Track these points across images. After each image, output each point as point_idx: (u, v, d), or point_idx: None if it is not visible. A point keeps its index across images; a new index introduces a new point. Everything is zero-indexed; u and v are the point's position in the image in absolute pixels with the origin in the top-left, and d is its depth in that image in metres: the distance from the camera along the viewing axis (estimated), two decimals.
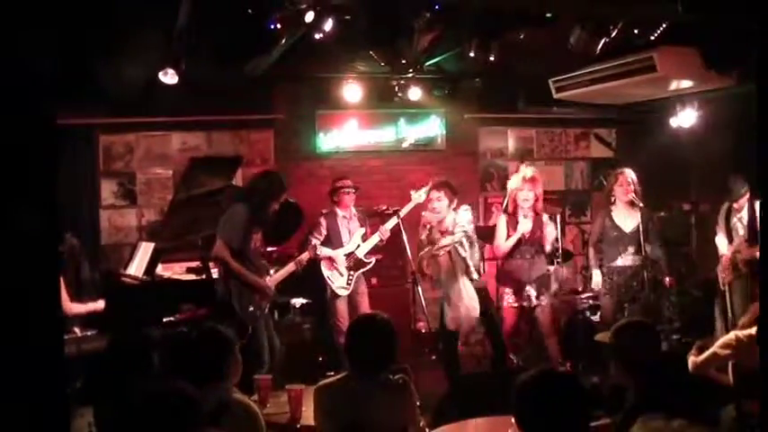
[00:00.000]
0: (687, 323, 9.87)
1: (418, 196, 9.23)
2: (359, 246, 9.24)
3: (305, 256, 8.42)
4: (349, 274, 9.16)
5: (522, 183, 8.55)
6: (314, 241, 9.07)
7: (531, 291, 8.52)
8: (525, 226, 8.43)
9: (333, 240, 9.23)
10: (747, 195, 9.24)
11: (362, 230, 9.33)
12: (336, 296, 9.14)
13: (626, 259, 8.72)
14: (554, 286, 9.52)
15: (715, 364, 6.19)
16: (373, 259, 9.33)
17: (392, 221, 9.11)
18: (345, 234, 9.29)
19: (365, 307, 9.16)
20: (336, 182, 9.41)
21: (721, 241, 9.60)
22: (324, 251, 9.09)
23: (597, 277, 8.91)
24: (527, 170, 8.79)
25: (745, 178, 9.29)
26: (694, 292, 10.23)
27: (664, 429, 3.22)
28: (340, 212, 9.31)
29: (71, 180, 9.30)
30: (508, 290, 8.61)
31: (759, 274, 3.72)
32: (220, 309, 7.61)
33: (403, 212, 9.10)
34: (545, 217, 8.64)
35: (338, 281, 9.13)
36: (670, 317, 9.93)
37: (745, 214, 9.28)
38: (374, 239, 9.22)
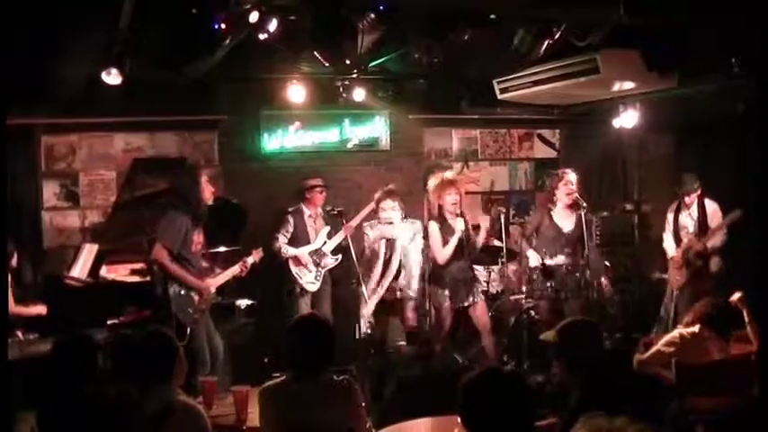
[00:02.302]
0: (630, 322, 9.97)
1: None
2: (325, 242, 9.32)
3: (250, 259, 8.39)
4: (317, 270, 9.21)
5: (448, 186, 8.60)
6: (280, 239, 9.09)
7: (464, 291, 8.58)
8: (460, 225, 8.49)
9: (300, 238, 9.32)
10: (699, 191, 9.38)
11: (328, 228, 9.42)
12: (301, 294, 9.17)
13: (559, 259, 8.76)
14: (500, 286, 9.61)
15: (659, 361, 6.28)
16: (340, 256, 9.39)
17: (354, 221, 9.32)
18: (312, 232, 9.42)
19: (327, 308, 9.24)
20: (309, 180, 9.54)
21: (669, 243, 9.73)
22: (289, 251, 9.14)
23: (533, 256, 8.91)
24: (446, 173, 8.85)
25: (697, 176, 9.45)
26: (637, 292, 10.33)
27: (606, 427, 3.24)
28: (306, 211, 9.41)
29: (11, 181, 9.17)
30: (443, 291, 8.64)
31: (758, 281, 3.77)
32: (160, 311, 7.60)
33: (362, 214, 9.26)
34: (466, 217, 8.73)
35: (307, 276, 9.21)
36: (613, 315, 10.03)
37: (695, 210, 9.42)
38: (339, 237, 9.29)
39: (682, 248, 9.50)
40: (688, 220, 9.55)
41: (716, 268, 9.35)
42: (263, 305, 9.41)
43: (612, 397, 4.24)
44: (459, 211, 8.58)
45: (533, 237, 9.03)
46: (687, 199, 9.54)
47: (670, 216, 9.76)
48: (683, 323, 6.41)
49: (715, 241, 9.27)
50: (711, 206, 9.36)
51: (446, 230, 8.60)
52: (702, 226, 9.38)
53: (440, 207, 8.67)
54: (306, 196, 9.45)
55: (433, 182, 8.86)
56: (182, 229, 7.58)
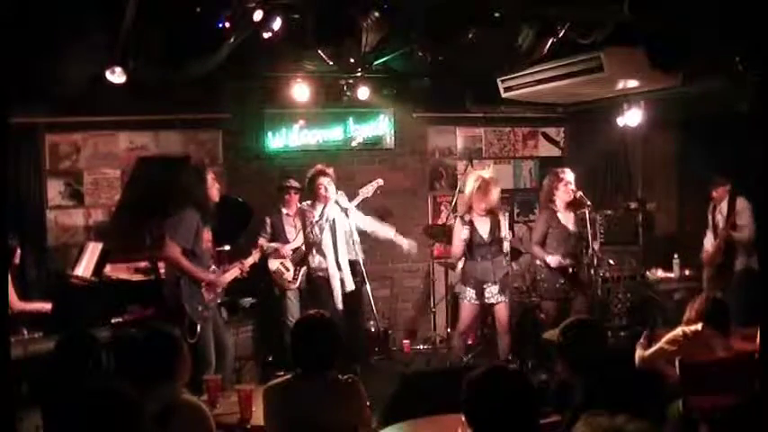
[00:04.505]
0: (635, 320, 9.96)
1: (366, 191, 9.29)
2: None
3: (249, 260, 8.39)
4: (296, 269, 9.21)
5: (482, 186, 8.51)
6: (261, 240, 9.12)
7: (493, 290, 8.53)
8: (464, 234, 8.45)
9: (279, 238, 9.37)
10: (728, 186, 9.41)
11: None
12: (285, 293, 9.16)
13: (569, 259, 8.74)
14: None
15: (662, 358, 6.26)
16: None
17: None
18: (291, 231, 9.43)
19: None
20: (284, 180, 9.58)
21: (708, 240, 9.80)
22: (270, 245, 9.19)
23: (552, 258, 8.82)
24: (484, 172, 8.75)
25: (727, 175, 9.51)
26: (643, 290, 10.33)
27: (607, 425, 3.24)
28: (284, 210, 9.46)
29: (16, 180, 9.19)
30: (469, 289, 8.61)
31: (760, 278, 3.78)
32: (168, 309, 7.58)
33: (351, 205, 9.20)
34: (502, 216, 8.65)
35: (284, 275, 9.18)
36: (618, 313, 10.03)
37: (725, 206, 9.45)
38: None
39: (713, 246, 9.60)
40: (719, 216, 9.59)
41: (741, 266, 9.35)
42: (266, 304, 9.40)
43: (615, 395, 4.23)
44: (483, 212, 8.55)
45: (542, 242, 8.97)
46: (714, 193, 9.59)
47: (709, 218, 9.81)
48: (685, 321, 6.38)
49: (741, 236, 9.30)
50: (741, 204, 9.36)
51: (473, 229, 8.60)
52: (730, 222, 9.42)
53: (470, 207, 8.59)
54: (284, 196, 9.51)
55: (471, 182, 8.70)
56: (192, 226, 7.53)
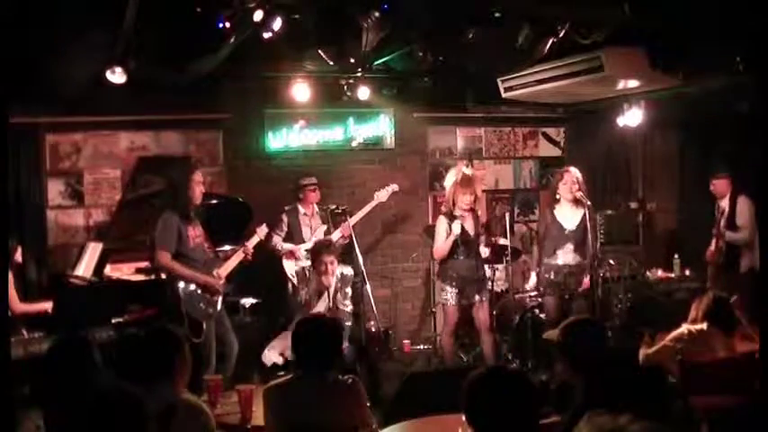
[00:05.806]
0: (635, 320, 9.96)
1: (381, 196, 9.31)
2: None
3: (253, 240, 8.35)
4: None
5: (461, 183, 8.55)
6: (275, 239, 9.10)
7: (473, 289, 8.56)
8: (456, 228, 8.45)
9: (294, 237, 9.38)
10: (728, 180, 9.40)
11: (324, 227, 9.44)
12: (295, 294, 9.14)
13: (565, 257, 8.75)
14: (504, 285, 9.59)
15: (666, 356, 6.25)
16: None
17: (354, 219, 9.27)
18: (307, 231, 9.44)
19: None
20: (302, 179, 9.58)
21: (714, 240, 9.79)
22: (285, 246, 9.16)
23: (533, 279, 8.95)
24: (465, 170, 8.80)
25: (728, 167, 9.49)
26: (643, 290, 10.32)
27: (609, 425, 3.25)
28: (301, 209, 9.45)
29: (16, 180, 9.18)
30: (449, 288, 8.63)
31: (759, 275, 3.77)
32: (169, 310, 7.58)
33: (364, 212, 9.25)
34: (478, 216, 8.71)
35: (307, 276, 9.15)
36: (618, 314, 10.02)
37: (725, 203, 9.45)
38: (335, 236, 9.27)
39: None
40: (722, 219, 9.55)
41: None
42: (267, 304, 9.40)
43: (615, 395, 4.23)
44: (465, 211, 8.57)
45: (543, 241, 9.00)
46: (712, 186, 9.57)
47: (716, 212, 9.81)
48: (689, 320, 6.38)
49: (736, 238, 9.29)
50: (743, 203, 9.33)
51: (451, 225, 8.60)
52: (730, 222, 9.39)
53: (453, 203, 8.63)
54: (300, 195, 9.51)
55: (451, 177, 8.80)
56: (173, 227, 7.55)
